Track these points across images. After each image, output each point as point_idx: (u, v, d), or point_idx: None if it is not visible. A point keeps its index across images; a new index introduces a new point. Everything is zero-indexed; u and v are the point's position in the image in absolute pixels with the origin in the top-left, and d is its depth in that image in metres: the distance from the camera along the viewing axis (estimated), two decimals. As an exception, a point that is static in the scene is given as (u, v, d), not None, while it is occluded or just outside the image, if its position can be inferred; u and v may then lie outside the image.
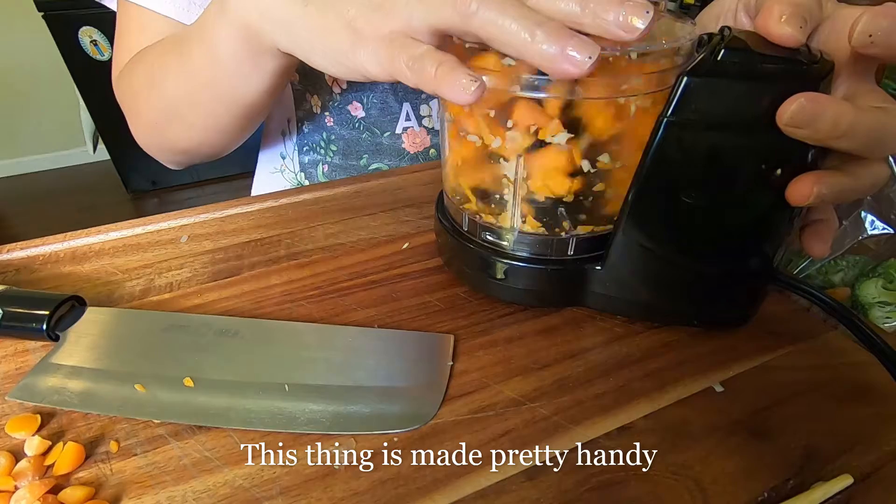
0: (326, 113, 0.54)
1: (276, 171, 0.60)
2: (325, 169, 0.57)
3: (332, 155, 0.56)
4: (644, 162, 0.27)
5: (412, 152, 0.55)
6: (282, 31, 0.30)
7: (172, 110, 0.43)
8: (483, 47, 0.26)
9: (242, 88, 0.38)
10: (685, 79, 0.25)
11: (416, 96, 0.52)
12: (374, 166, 0.55)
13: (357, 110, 0.53)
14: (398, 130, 0.53)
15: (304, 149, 0.57)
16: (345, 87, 0.52)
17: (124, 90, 0.47)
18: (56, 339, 0.30)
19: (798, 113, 0.23)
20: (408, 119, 0.53)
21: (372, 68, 0.27)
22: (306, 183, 0.58)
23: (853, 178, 0.26)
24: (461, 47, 0.27)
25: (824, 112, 0.23)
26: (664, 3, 0.30)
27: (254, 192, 0.63)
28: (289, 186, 0.59)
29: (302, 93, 0.54)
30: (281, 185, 0.60)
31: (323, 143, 0.55)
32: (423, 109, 0.53)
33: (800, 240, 0.30)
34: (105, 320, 0.32)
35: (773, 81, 0.24)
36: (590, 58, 0.22)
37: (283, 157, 0.59)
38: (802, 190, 0.25)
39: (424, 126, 0.54)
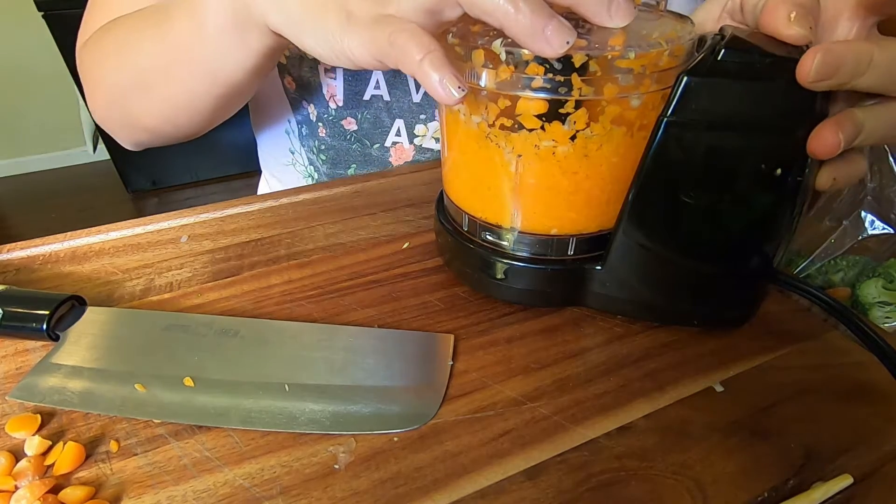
0: (320, 124, 0.54)
1: (288, 164, 0.60)
2: (316, 175, 0.58)
3: (321, 163, 0.56)
4: (644, 162, 0.27)
5: (396, 165, 0.55)
6: (274, 7, 0.29)
7: (142, 82, 0.40)
8: (476, 45, 0.26)
9: (224, 65, 0.36)
10: (685, 79, 0.25)
11: (414, 116, 0.52)
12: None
13: (350, 125, 0.53)
14: (387, 143, 0.54)
15: (308, 145, 0.58)
16: (341, 103, 0.51)
17: (88, 59, 0.44)
18: (56, 338, 0.30)
19: (821, 67, 0.23)
20: (398, 135, 0.53)
21: (357, 50, 0.26)
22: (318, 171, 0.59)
23: (872, 115, 0.25)
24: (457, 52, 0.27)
25: (845, 56, 0.23)
26: (664, 3, 0.30)
27: (264, 186, 0.63)
28: (302, 177, 0.59)
29: (298, 100, 0.54)
30: (294, 176, 0.60)
31: (315, 150, 0.56)
32: (419, 129, 0.53)
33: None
34: (105, 320, 0.32)
35: (772, 81, 0.24)
36: (567, 42, 0.22)
37: (293, 153, 0.59)
38: (828, 139, 0.24)
39: (415, 144, 0.54)
